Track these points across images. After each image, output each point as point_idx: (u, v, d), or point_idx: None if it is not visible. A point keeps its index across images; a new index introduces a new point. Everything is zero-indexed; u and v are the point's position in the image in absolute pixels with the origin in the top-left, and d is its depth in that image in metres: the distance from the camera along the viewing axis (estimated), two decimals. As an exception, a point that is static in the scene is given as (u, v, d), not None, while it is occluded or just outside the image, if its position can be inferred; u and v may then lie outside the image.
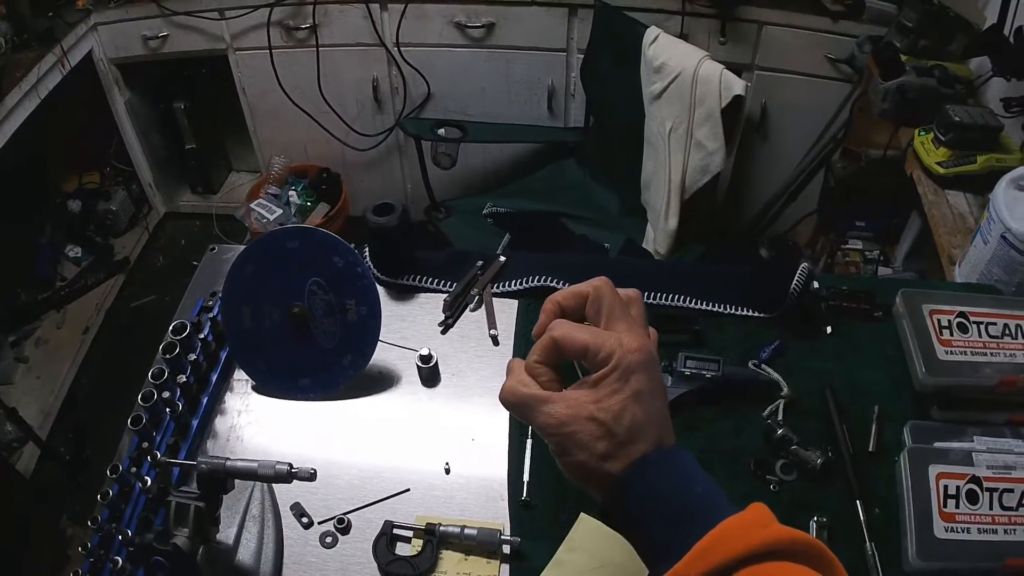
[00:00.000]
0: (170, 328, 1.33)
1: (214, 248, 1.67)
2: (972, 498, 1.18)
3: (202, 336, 1.40)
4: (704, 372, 1.35)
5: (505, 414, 1.34)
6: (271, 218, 3.56)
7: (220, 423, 1.37)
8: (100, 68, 3.48)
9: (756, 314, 1.51)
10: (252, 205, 3.61)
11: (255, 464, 1.07)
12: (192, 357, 1.34)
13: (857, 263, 2.92)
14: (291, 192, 3.71)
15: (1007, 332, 1.37)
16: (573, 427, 0.74)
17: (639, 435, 0.74)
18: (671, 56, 2.58)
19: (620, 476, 0.73)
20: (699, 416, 1.35)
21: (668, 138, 2.61)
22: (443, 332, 1.50)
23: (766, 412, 1.34)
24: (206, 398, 1.37)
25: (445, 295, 1.54)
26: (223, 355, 1.43)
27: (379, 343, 1.38)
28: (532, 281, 1.54)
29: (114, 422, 1.24)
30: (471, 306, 1.53)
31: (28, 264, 3.63)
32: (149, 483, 1.15)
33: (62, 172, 3.92)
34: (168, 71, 3.75)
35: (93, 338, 3.54)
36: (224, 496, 1.10)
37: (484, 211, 3.07)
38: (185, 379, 1.31)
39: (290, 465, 1.07)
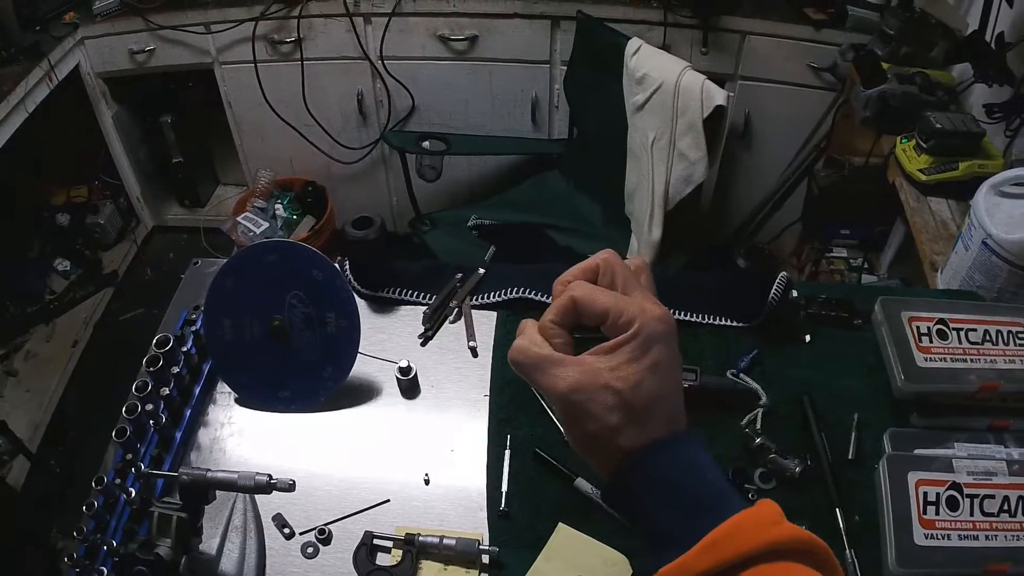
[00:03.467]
0: (153, 341, 1.34)
1: (197, 262, 1.67)
2: (952, 504, 1.18)
3: (185, 349, 1.40)
4: (682, 382, 1.34)
5: (484, 425, 1.35)
6: (257, 231, 3.55)
7: (203, 435, 1.37)
8: (87, 82, 3.47)
9: (734, 323, 1.51)
10: (238, 219, 3.61)
11: (235, 475, 1.08)
12: (175, 370, 1.34)
13: (842, 271, 2.93)
14: (277, 205, 3.71)
15: (987, 338, 1.37)
16: (586, 394, 0.68)
17: (654, 410, 0.69)
18: (653, 67, 2.59)
19: (632, 456, 0.69)
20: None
21: (651, 149, 2.62)
22: (423, 344, 1.51)
23: (744, 421, 1.34)
24: (189, 410, 1.37)
25: (424, 307, 1.54)
26: (206, 368, 1.44)
27: (359, 355, 1.39)
28: (511, 293, 1.55)
29: (103, 434, 1.25)
30: (450, 318, 1.54)
31: (17, 278, 3.62)
32: (133, 494, 1.16)
33: (50, 186, 3.91)
34: (155, 85, 3.74)
35: (82, 351, 3.53)
36: (207, 507, 1.12)
37: (469, 223, 3.08)
38: (168, 392, 1.31)
39: (269, 476, 1.08)
